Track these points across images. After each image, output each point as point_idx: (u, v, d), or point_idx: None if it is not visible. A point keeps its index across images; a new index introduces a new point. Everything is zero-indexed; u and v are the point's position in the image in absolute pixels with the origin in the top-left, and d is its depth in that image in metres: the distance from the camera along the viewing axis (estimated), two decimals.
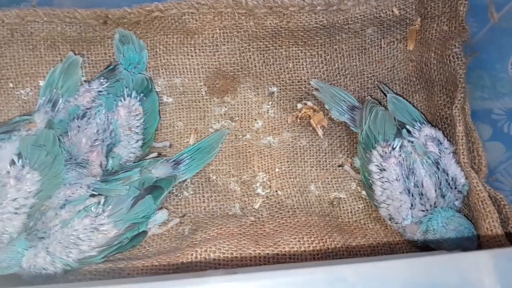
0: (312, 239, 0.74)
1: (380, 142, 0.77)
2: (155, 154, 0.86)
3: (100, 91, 0.81)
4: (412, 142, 0.77)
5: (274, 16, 0.85)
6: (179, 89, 0.90)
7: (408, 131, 0.77)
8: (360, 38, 0.90)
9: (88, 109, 0.79)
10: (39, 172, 0.72)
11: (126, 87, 0.82)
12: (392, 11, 0.87)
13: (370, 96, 0.89)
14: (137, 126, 0.81)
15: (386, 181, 0.75)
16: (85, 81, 0.84)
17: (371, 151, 0.78)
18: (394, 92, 0.86)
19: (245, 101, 0.91)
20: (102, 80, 0.82)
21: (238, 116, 0.91)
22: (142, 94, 0.83)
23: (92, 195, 0.73)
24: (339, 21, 0.87)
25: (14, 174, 0.71)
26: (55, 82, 0.82)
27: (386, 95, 0.84)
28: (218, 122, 0.90)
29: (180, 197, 0.85)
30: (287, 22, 0.86)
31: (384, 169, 0.75)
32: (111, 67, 0.85)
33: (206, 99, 0.90)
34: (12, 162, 0.72)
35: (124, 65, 0.84)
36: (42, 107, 0.80)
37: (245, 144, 0.89)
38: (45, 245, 0.70)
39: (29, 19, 0.84)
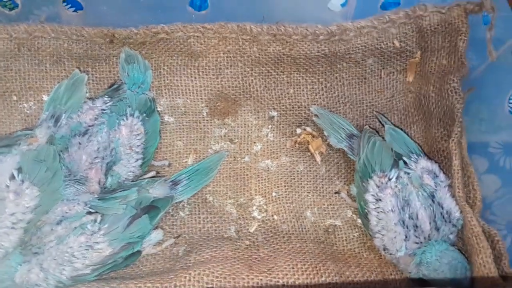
0: (306, 266, 0.74)
1: (377, 172, 0.78)
2: (153, 173, 0.87)
3: (104, 110, 0.82)
4: (408, 173, 0.77)
5: (278, 43, 0.87)
6: (180, 109, 0.91)
7: (405, 163, 0.78)
8: (361, 68, 0.92)
9: (90, 126, 0.80)
10: (38, 188, 0.73)
11: (129, 107, 0.83)
12: (393, 43, 0.89)
13: (368, 125, 0.90)
14: (138, 146, 0.82)
15: (381, 212, 0.76)
16: (88, 98, 0.84)
17: (367, 180, 0.79)
18: (392, 123, 0.87)
19: (245, 124, 0.92)
20: (106, 99, 0.83)
21: (238, 139, 0.91)
22: (144, 114, 0.84)
23: (89, 213, 0.74)
24: (340, 51, 0.89)
25: (13, 188, 0.71)
26: (59, 98, 0.83)
27: (384, 126, 0.85)
28: (218, 144, 0.91)
29: (176, 217, 0.85)
30: (290, 50, 0.88)
31: (380, 199, 0.76)
32: (115, 86, 0.86)
33: (207, 120, 0.91)
34: (12, 177, 0.72)
35: (128, 84, 0.85)
36: (44, 122, 0.81)
37: (243, 167, 0.90)
38: (39, 261, 0.70)
39: (36, 34, 0.85)
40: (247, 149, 0.91)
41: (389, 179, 0.77)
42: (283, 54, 0.88)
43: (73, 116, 0.81)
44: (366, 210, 0.78)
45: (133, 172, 0.81)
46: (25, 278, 0.69)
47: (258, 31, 0.85)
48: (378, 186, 0.77)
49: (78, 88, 0.84)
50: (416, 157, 0.79)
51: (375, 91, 0.92)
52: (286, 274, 0.73)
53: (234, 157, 0.90)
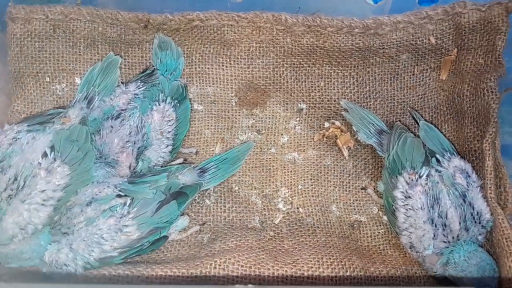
0: (331, 260, 0.74)
1: (407, 169, 0.77)
2: (181, 160, 0.87)
3: (136, 94, 0.82)
4: (440, 171, 0.76)
5: (312, 34, 0.86)
6: (210, 98, 0.91)
7: (438, 160, 0.77)
8: (394, 63, 0.90)
9: (123, 110, 0.81)
10: (69, 167, 0.73)
11: (161, 92, 0.83)
12: (429, 39, 0.87)
13: (399, 121, 0.89)
14: (169, 132, 0.82)
15: (410, 209, 0.75)
16: (122, 82, 0.85)
17: (397, 177, 0.78)
18: (425, 120, 0.86)
19: (273, 115, 0.92)
20: (139, 84, 0.83)
21: (265, 129, 0.91)
22: (176, 101, 0.84)
23: (119, 196, 0.74)
24: (374, 45, 0.87)
25: (45, 166, 0.72)
26: (93, 80, 0.83)
27: (417, 122, 0.84)
28: (245, 134, 0.91)
29: (201, 205, 0.85)
30: (324, 42, 0.87)
31: (409, 197, 0.75)
32: (148, 71, 0.86)
33: (235, 110, 0.91)
34: (44, 154, 0.73)
35: (160, 70, 0.85)
36: (77, 103, 0.81)
37: (270, 158, 0.90)
38: (68, 242, 0.71)
39: (72, 16, 0.86)
40: (274, 140, 0.91)
41: (420, 177, 0.76)
42: (316, 46, 0.87)
43: (105, 99, 0.82)
44: (393, 207, 0.77)
45: (163, 157, 0.82)
46: (54, 257, 0.71)
47: (293, 21, 0.85)
48: (407, 183, 0.76)
49: (112, 70, 0.85)
50: (450, 155, 0.78)
51: (407, 88, 0.91)
52: (311, 267, 0.73)
53: (261, 148, 0.90)
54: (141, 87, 0.83)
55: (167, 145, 0.82)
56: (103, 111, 0.81)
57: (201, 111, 0.91)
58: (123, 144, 0.79)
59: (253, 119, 0.91)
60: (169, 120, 0.82)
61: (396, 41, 0.87)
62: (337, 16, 0.85)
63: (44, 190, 0.71)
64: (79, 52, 0.88)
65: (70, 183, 0.73)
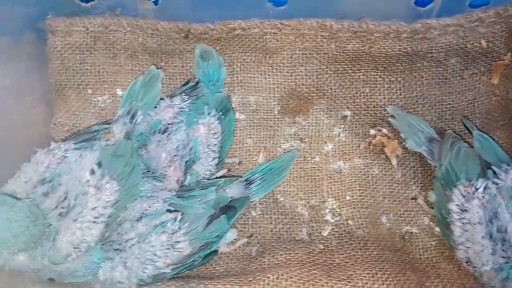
0: (386, 275, 0.73)
1: (462, 181, 0.75)
2: (225, 171, 0.86)
3: (182, 108, 0.81)
4: (497, 184, 0.74)
5: (357, 40, 0.83)
6: (252, 106, 0.89)
7: (494, 172, 0.74)
8: (442, 68, 0.87)
9: (169, 124, 0.80)
10: (117, 182, 0.73)
11: (206, 105, 0.82)
12: (480, 43, 0.84)
13: (448, 128, 0.86)
14: (215, 144, 0.81)
15: (467, 223, 0.72)
16: (166, 96, 0.84)
17: (451, 189, 0.75)
18: (478, 129, 0.83)
19: (316, 123, 0.90)
20: (184, 97, 0.82)
21: (308, 137, 0.89)
22: (221, 113, 0.83)
23: (169, 210, 0.74)
24: (422, 49, 0.84)
25: (94, 183, 0.72)
26: (135, 94, 0.82)
27: (470, 132, 0.81)
28: (287, 142, 0.89)
29: (247, 217, 0.84)
30: (370, 47, 0.84)
31: (466, 210, 0.73)
32: (192, 84, 0.85)
33: (277, 118, 0.89)
34: (92, 172, 0.73)
35: (204, 82, 0.84)
36: (121, 118, 0.80)
37: (314, 167, 0.88)
38: (122, 259, 0.71)
39: (112, 28, 0.85)
40: (318, 149, 0.89)
41: (476, 189, 0.73)
42: (362, 52, 0.85)
43: (150, 114, 0.81)
44: (448, 220, 0.75)
45: (210, 170, 0.81)
46: (109, 275, 0.71)
47: (338, 27, 0.82)
48: (464, 196, 0.74)
49: (154, 85, 0.83)
50: (506, 166, 0.75)
51: (456, 93, 0.88)
52: (366, 283, 0.72)
53: (304, 156, 0.89)
54: (186, 100, 0.81)
55: (214, 158, 0.81)
56: (150, 125, 0.80)
57: (243, 120, 0.89)
58: (170, 158, 0.78)
59: (296, 127, 0.89)
60: (215, 133, 0.81)
61: (445, 45, 0.84)
62: (384, 21, 0.82)
63: (95, 207, 0.71)
64: (120, 63, 0.87)
65: (119, 199, 0.73)
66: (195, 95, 0.82)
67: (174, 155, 0.78)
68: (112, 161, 0.74)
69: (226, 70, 0.87)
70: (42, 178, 0.71)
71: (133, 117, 0.81)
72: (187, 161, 0.79)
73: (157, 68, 0.85)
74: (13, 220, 0.63)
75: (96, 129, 0.80)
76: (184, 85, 0.85)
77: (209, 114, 0.82)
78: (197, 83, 0.84)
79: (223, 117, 0.83)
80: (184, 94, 0.83)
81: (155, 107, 0.81)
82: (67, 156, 0.74)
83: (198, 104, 0.82)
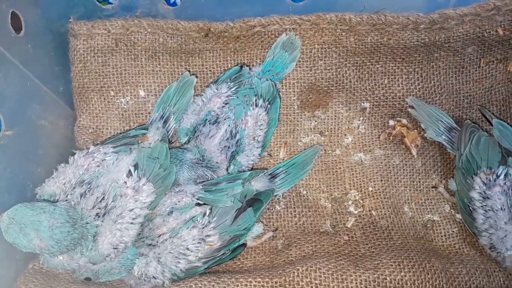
0: (412, 263, 0.74)
1: (483, 169, 0.76)
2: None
3: (229, 95, 0.83)
4: None
5: (376, 33, 0.84)
6: None
7: None
8: (459, 57, 0.88)
9: (218, 114, 0.82)
10: (153, 184, 0.75)
11: (255, 95, 0.83)
12: (496, 31, 0.84)
13: (465, 116, 0.87)
14: (259, 135, 0.83)
15: (489, 210, 0.74)
16: (211, 83, 0.86)
17: (472, 177, 0.77)
18: (497, 117, 0.84)
19: (335, 116, 0.91)
20: (229, 83, 0.84)
21: (328, 131, 0.91)
22: (267, 102, 0.84)
23: (198, 204, 0.76)
24: (440, 39, 0.85)
25: (131, 184, 0.74)
26: (169, 100, 0.84)
27: (489, 121, 0.82)
28: (308, 136, 0.91)
29: (272, 211, 0.86)
30: (388, 39, 0.85)
31: (488, 197, 0.75)
32: (236, 68, 0.86)
33: (297, 112, 0.91)
34: (129, 173, 0.74)
35: (265, 67, 0.85)
36: (154, 123, 0.83)
37: (335, 160, 0.89)
38: (156, 255, 0.73)
39: (133, 29, 0.86)
40: (338, 141, 0.90)
41: (497, 176, 0.75)
42: (380, 44, 0.85)
43: (198, 103, 0.84)
44: (470, 208, 0.77)
45: (253, 161, 0.84)
46: (143, 271, 0.73)
47: (357, 21, 0.83)
48: (485, 184, 0.75)
49: (187, 90, 0.85)
50: None
51: (473, 81, 0.89)
52: (393, 271, 0.74)
53: (325, 150, 0.90)
54: (231, 87, 0.83)
55: (257, 148, 0.83)
56: (200, 116, 0.83)
57: None
58: (221, 148, 0.80)
59: (315, 121, 0.91)
60: (261, 125, 0.83)
61: (462, 34, 0.85)
62: (403, 13, 0.83)
63: (133, 209, 0.73)
64: (141, 64, 0.88)
65: (154, 200, 0.75)
66: (239, 81, 0.84)
67: (224, 146, 0.81)
68: (148, 163, 0.76)
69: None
70: (81, 180, 0.73)
71: (166, 121, 0.83)
72: (232, 152, 0.81)
73: (191, 74, 0.87)
74: (55, 227, 0.66)
75: (134, 134, 0.82)
76: (228, 69, 0.87)
77: (257, 105, 0.83)
78: (241, 67, 0.86)
79: (269, 106, 0.84)
80: (229, 80, 0.84)
81: (201, 95, 0.84)
82: (105, 159, 0.76)
83: (247, 93, 0.83)
